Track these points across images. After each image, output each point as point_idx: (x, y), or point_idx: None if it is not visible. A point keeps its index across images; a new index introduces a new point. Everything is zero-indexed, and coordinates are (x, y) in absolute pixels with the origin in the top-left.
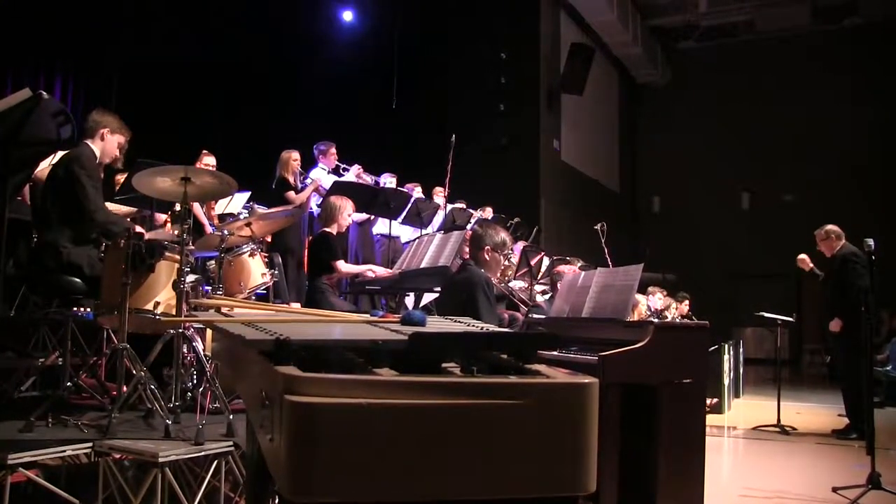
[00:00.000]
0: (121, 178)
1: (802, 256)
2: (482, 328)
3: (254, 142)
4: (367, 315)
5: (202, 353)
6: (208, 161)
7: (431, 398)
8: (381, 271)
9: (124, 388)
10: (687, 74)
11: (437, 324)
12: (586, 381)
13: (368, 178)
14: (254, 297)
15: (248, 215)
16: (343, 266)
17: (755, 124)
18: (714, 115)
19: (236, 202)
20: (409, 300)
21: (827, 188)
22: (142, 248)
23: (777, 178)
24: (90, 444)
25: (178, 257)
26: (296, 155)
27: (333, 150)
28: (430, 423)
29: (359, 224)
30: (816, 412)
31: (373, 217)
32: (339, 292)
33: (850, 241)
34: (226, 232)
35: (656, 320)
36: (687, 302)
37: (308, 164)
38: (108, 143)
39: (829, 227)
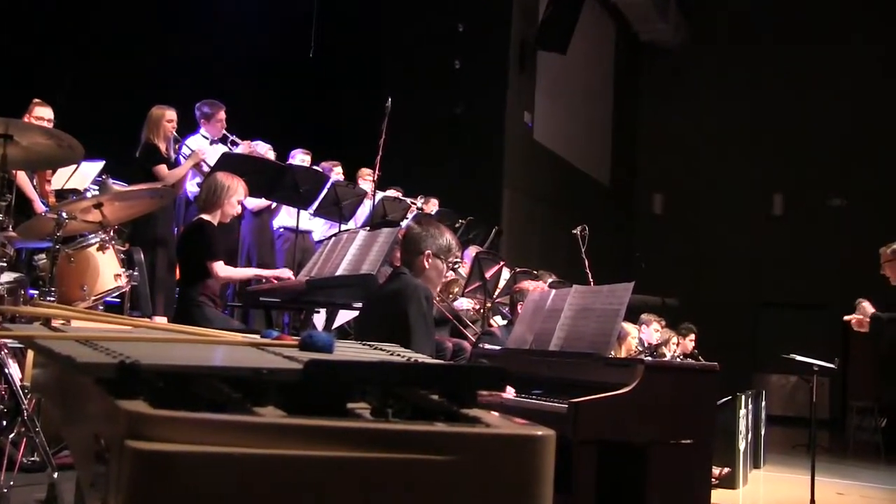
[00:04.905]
0: None
1: (854, 318)
2: (407, 358)
3: (113, 93)
4: (257, 336)
5: (17, 384)
6: (42, 114)
7: (329, 449)
8: (284, 274)
9: None
10: (708, 31)
11: (349, 350)
12: (538, 433)
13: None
14: (101, 307)
15: (98, 193)
16: (222, 269)
17: (796, 101)
18: (742, 87)
19: (83, 174)
20: (320, 319)
21: (891, 190)
22: None
23: (822, 174)
24: None
25: None
26: (171, 114)
27: (222, 115)
28: (326, 483)
29: (255, 214)
30: (866, 494)
31: (274, 205)
32: (224, 305)
33: None
34: (64, 215)
35: (648, 358)
36: (693, 336)
37: (186, 128)
38: None
39: None
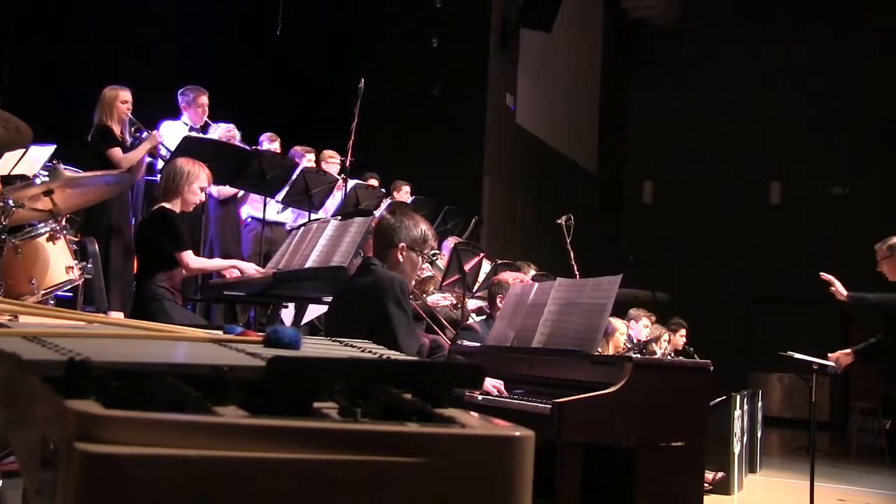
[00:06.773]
0: None
1: (827, 277)
2: (379, 355)
3: (65, 71)
4: (219, 332)
5: None
6: None
7: (293, 451)
8: (251, 269)
9: None
10: (702, 8)
11: (317, 347)
12: (516, 433)
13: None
14: (52, 301)
15: (48, 179)
16: (193, 260)
17: (797, 86)
18: (738, 71)
19: (32, 159)
20: (288, 314)
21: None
22: None
23: (822, 161)
24: None
25: None
26: (125, 95)
27: (203, 100)
28: (290, 487)
29: (220, 203)
30: (869, 500)
31: (241, 193)
32: (186, 299)
33: None
34: (11, 202)
35: (637, 356)
36: (683, 332)
37: (143, 112)
38: None
39: None
